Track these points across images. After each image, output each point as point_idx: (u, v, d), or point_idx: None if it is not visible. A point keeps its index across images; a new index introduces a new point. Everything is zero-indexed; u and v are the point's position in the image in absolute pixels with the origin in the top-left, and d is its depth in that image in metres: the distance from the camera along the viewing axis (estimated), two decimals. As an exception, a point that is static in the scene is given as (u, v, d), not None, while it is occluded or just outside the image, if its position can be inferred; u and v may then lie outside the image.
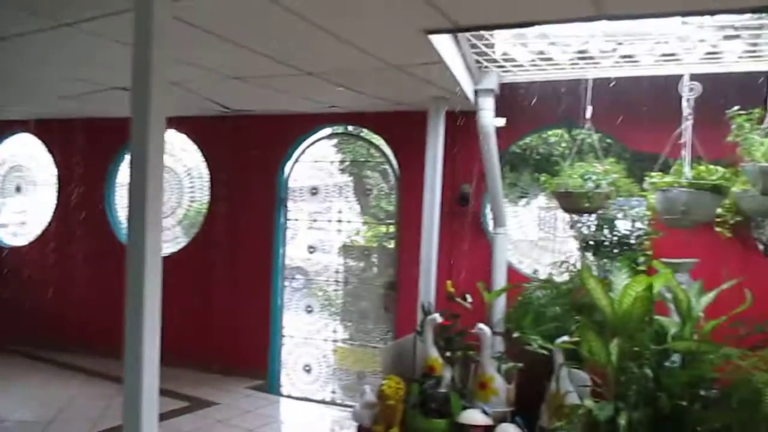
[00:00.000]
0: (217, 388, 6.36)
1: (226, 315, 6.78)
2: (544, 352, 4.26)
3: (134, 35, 2.74)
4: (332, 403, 6.40)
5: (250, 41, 3.95)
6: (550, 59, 4.68)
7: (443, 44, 4.02)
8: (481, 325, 4.49)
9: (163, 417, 5.40)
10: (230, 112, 6.44)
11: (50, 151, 7.90)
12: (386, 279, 6.27)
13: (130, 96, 2.76)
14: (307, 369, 6.61)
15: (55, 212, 7.85)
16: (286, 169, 6.72)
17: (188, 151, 7.43)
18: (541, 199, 5.91)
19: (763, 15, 3.93)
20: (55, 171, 7.89)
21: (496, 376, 4.41)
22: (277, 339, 6.66)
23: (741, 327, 4.29)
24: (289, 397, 6.52)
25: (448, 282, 5.07)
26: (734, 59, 4.37)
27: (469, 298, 4.89)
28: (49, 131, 7.77)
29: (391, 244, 6.31)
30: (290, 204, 6.79)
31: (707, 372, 3.64)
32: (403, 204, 6.08)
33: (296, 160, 6.74)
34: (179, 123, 6.93)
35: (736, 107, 3.86)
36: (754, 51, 4.26)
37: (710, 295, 3.87)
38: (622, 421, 3.37)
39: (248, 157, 6.72)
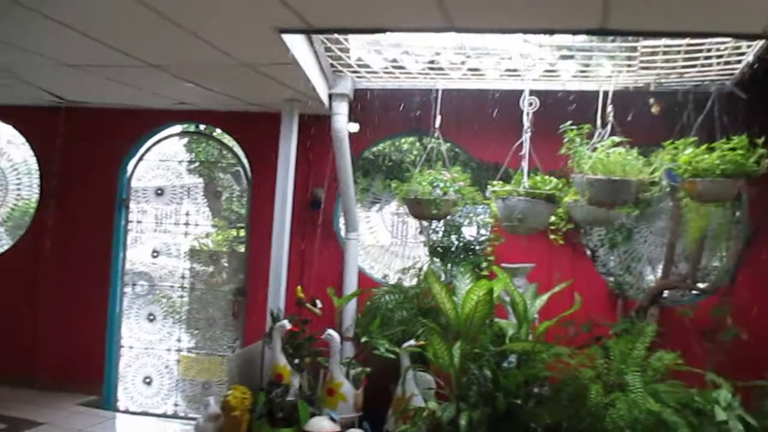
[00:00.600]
0: (43, 406, 5.75)
1: (56, 325, 6.17)
2: (391, 356, 4.31)
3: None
4: (175, 416, 6.05)
5: (88, 26, 3.61)
6: (402, 68, 4.77)
7: (297, 45, 3.95)
8: (330, 331, 4.45)
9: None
10: (65, 103, 5.90)
11: None
12: (235, 285, 6.05)
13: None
14: (148, 381, 6.20)
15: None
16: (129, 167, 6.27)
17: (15, 145, 6.72)
18: (393, 205, 6.01)
19: (594, 38, 4.29)
20: None
21: (344, 381, 4.38)
22: (114, 350, 6.16)
23: (570, 327, 4.64)
24: (126, 412, 6.06)
25: (298, 287, 4.98)
26: (569, 78, 4.71)
27: (319, 304, 4.83)
28: None
29: (242, 249, 6.10)
30: (133, 205, 6.35)
31: (540, 371, 3.87)
32: (254, 207, 5.90)
33: (140, 159, 6.31)
34: (5, 113, 6.27)
35: (568, 122, 4.15)
36: (585, 71, 4.61)
37: (543, 298, 4.12)
38: (463, 421, 3.48)
39: (86, 154, 6.17)
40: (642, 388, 3.67)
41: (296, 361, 4.60)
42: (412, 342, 4.23)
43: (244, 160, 6.03)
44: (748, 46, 3.97)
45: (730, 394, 3.79)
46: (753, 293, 5.01)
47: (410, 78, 4.95)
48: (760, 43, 3.83)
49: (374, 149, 5.93)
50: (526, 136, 4.33)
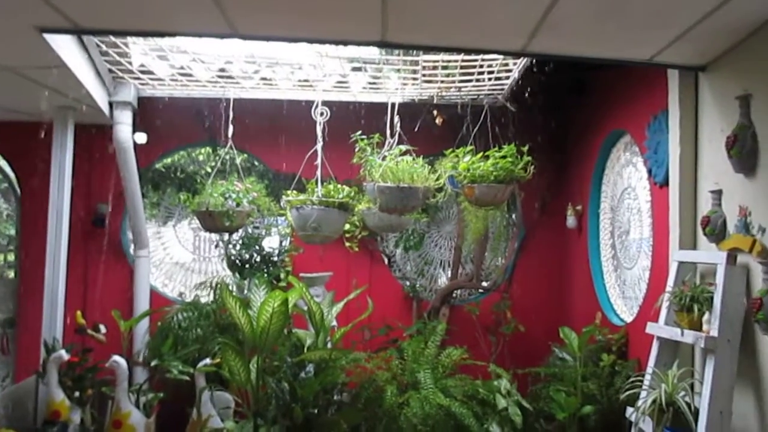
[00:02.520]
0: None
1: None
2: (186, 377, 4.07)
3: None
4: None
5: None
6: (191, 76, 4.57)
7: (64, 46, 3.58)
8: (116, 357, 4.08)
9: None
10: None
11: None
12: (4, 315, 5.33)
13: None
14: None
15: None
16: None
17: None
18: (187, 219, 5.72)
19: (382, 51, 4.46)
20: None
21: (132, 410, 4.04)
22: None
23: (367, 332, 4.76)
24: None
25: (78, 313, 4.52)
26: (359, 89, 4.85)
27: (103, 329, 4.43)
28: None
29: (12, 275, 5.41)
30: None
31: (338, 377, 3.90)
32: (25, 228, 5.24)
33: None
34: None
35: (359, 132, 4.25)
36: (375, 83, 4.78)
37: (340, 305, 4.16)
38: (260, 437, 3.39)
39: None
40: (433, 384, 3.86)
41: (76, 394, 4.15)
42: (207, 361, 4.03)
43: (12, 176, 5.35)
44: (514, 63, 4.39)
45: (509, 383, 4.13)
46: (527, 289, 5.55)
47: (200, 86, 4.77)
48: (524, 60, 4.25)
49: (166, 161, 5.60)
50: (319, 146, 4.36)
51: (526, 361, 4.69)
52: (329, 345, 4.04)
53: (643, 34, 3.00)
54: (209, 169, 5.69)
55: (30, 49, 3.41)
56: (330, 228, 4.06)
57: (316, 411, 3.60)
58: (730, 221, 3.05)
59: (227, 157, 4.74)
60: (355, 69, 4.72)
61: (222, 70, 4.55)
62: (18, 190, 5.33)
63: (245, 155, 5.35)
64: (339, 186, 4.23)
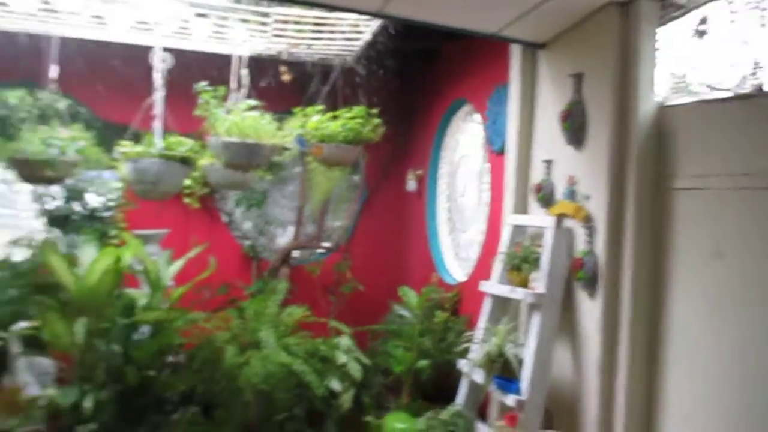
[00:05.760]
0: None
1: None
2: (-2, 342, 3.67)
3: None
4: None
5: None
6: (4, 4, 4.01)
7: None
8: None
9: None
10: None
11: None
12: None
13: None
14: None
15: None
16: None
17: None
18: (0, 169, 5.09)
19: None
20: None
21: None
22: None
23: (206, 292, 4.60)
24: None
25: None
26: (203, 38, 4.57)
27: None
28: None
29: None
30: None
31: (175, 338, 3.74)
32: None
33: None
34: None
35: (204, 83, 4.02)
36: (220, 33, 4.53)
37: (178, 264, 3.98)
38: (88, 403, 3.16)
39: None
40: (275, 343, 3.83)
41: None
42: (23, 324, 3.65)
43: None
44: (366, 26, 4.39)
45: (349, 340, 4.23)
46: (367, 250, 5.70)
47: (18, 19, 4.20)
48: (375, 23, 4.27)
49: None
50: (158, 96, 4.07)
51: (365, 319, 4.83)
52: (165, 306, 3.85)
53: (490, 8, 3.14)
54: (25, 114, 5.08)
55: None
56: (170, 183, 3.83)
57: (151, 374, 3.42)
58: (559, 189, 3.34)
59: (46, 101, 4.25)
60: (199, 15, 4.44)
61: (45, 2, 4.05)
62: None
63: (69, 101, 4.85)
64: (181, 139, 3.99)
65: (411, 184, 5.58)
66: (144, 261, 3.68)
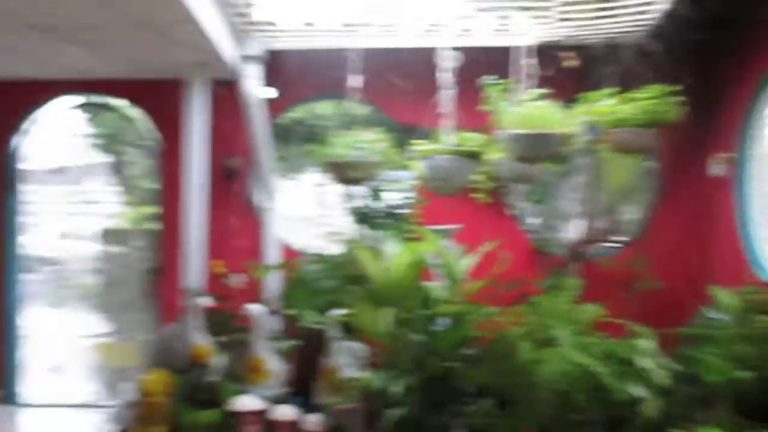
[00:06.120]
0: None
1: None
2: (318, 327, 4.15)
3: None
4: (89, 405, 5.67)
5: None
6: (315, 25, 4.53)
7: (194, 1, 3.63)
8: (251, 305, 4.23)
9: None
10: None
11: None
12: (150, 264, 5.69)
13: None
14: (57, 371, 5.77)
15: None
16: (16, 144, 5.70)
17: None
18: (314, 173, 5.80)
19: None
20: None
21: (268, 357, 4.19)
22: (13, 340, 5.66)
23: (498, 286, 4.63)
24: (32, 405, 5.62)
25: (218, 262, 4.72)
26: (486, 33, 4.61)
27: (239, 278, 4.60)
28: None
29: (155, 226, 5.73)
30: (32, 186, 5.82)
31: (471, 332, 3.82)
32: (166, 182, 5.51)
33: (31, 135, 5.76)
34: None
35: (488, 78, 4.04)
36: (503, 24, 4.52)
37: (471, 259, 4.05)
38: (398, 387, 3.39)
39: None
40: (571, 341, 3.69)
41: (217, 339, 4.36)
42: (339, 311, 4.08)
43: (153, 133, 5.62)
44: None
45: (650, 342, 3.88)
46: (664, 243, 5.18)
47: (325, 36, 4.71)
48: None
49: (291, 114, 5.67)
50: (448, 94, 4.21)
51: (662, 320, 4.38)
52: (459, 299, 3.96)
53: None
54: (333, 123, 5.71)
55: (159, 2, 3.48)
56: (461, 178, 3.93)
57: (450, 364, 3.55)
58: None
59: (350, 108, 4.70)
60: (481, 10, 4.48)
61: (346, 18, 4.47)
62: (158, 146, 5.59)
63: (369, 107, 5.30)
64: (470, 135, 4.07)
65: (716, 169, 4.92)
66: (441, 255, 3.83)
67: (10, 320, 5.65)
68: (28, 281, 5.78)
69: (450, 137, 4.12)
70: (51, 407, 5.61)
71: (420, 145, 4.11)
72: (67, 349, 5.81)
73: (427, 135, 4.30)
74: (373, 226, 4.88)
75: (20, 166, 5.72)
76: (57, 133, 6.10)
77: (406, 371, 3.51)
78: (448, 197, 4.36)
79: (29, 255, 5.80)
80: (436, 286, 3.94)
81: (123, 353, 5.85)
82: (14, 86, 5.48)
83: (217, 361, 4.29)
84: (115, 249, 5.96)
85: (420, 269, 3.67)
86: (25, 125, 5.68)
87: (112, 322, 5.95)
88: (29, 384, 5.71)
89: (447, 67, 4.27)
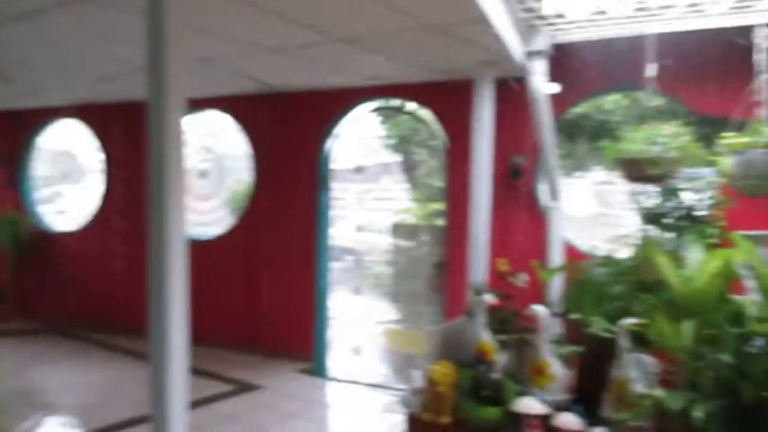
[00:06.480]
0: (264, 371, 6.25)
1: (271, 296, 6.66)
2: (606, 335, 3.91)
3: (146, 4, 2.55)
4: (381, 386, 6.20)
5: (280, 5, 3.71)
6: (605, 13, 4.26)
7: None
8: (537, 306, 4.16)
9: (207, 401, 5.35)
10: (267, 88, 6.24)
11: (98, 136, 7.90)
12: (436, 258, 6.00)
13: (147, 70, 2.57)
14: (356, 351, 6.44)
15: (104, 197, 7.86)
16: (328, 147, 6.48)
17: (230, 131, 7.32)
18: (598, 171, 5.51)
19: None
20: (102, 156, 7.89)
21: (553, 361, 4.08)
22: (323, 321, 6.48)
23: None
24: (336, 380, 6.35)
25: (502, 260, 4.75)
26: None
27: (524, 277, 4.56)
28: (95, 116, 7.76)
29: (441, 222, 6.02)
30: (337, 183, 6.58)
31: (796, 358, 3.24)
32: (452, 180, 5.77)
33: (338, 138, 6.50)
34: (222, 103, 6.82)
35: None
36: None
37: (796, 271, 3.43)
38: (698, 413, 3.02)
39: (288, 136, 6.53)
40: None
41: (501, 337, 4.39)
42: (631, 320, 3.79)
43: (440, 133, 5.91)
44: None
45: None
46: None
47: (616, 25, 4.41)
48: None
49: (577, 110, 5.46)
50: (764, 78, 3.63)
51: None
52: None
53: None
54: (618, 118, 5.35)
55: (455, 4, 3.59)
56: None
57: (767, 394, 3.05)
58: None
59: (642, 101, 4.33)
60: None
61: (640, 2, 4.13)
62: (445, 146, 5.85)
63: (664, 97, 4.84)
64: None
65: None
66: (756, 265, 3.32)
67: (321, 303, 6.47)
68: (334, 269, 6.54)
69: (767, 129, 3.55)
70: (350, 383, 6.29)
71: (730, 139, 3.61)
72: (365, 332, 6.43)
73: (739, 126, 3.76)
74: (666, 228, 4.44)
75: (331, 166, 6.49)
76: (357, 136, 6.75)
77: (709, 395, 3.11)
78: (760, 198, 3.77)
79: (336, 245, 6.56)
80: (748, 301, 3.43)
81: (409, 340, 6.27)
82: (324, 95, 6.23)
83: (500, 359, 4.32)
84: (404, 242, 6.40)
85: (729, 280, 3.22)
86: (333, 130, 6.43)
87: (401, 310, 6.41)
88: (334, 360, 6.47)
89: (764, 48, 3.68)
